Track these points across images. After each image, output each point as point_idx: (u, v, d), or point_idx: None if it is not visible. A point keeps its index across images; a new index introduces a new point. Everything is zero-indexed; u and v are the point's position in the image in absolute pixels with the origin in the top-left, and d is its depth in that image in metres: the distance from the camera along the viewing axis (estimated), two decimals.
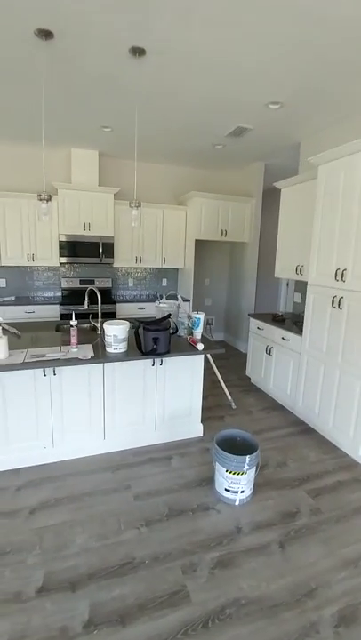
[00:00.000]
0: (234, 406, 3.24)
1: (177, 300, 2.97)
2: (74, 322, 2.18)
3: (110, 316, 4.24)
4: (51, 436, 2.34)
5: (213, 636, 1.37)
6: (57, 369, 2.21)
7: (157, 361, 2.44)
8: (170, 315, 2.35)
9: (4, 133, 3.76)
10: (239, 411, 3.22)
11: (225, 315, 5.52)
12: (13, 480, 2.20)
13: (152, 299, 4.61)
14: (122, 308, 4.32)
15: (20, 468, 2.30)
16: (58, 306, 4.09)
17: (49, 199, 2.30)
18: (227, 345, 5.38)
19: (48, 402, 2.28)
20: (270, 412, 3.23)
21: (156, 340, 2.12)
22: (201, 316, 2.58)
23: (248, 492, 2.07)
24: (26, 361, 1.98)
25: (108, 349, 2.21)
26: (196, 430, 2.73)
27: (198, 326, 2.57)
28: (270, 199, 5.37)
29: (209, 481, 2.25)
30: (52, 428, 2.33)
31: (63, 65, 2.38)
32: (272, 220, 5.75)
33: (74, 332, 2.18)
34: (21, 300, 4.15)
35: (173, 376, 2.54)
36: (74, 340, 2.19)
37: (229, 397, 3.26)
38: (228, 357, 4.80)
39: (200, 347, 2.32)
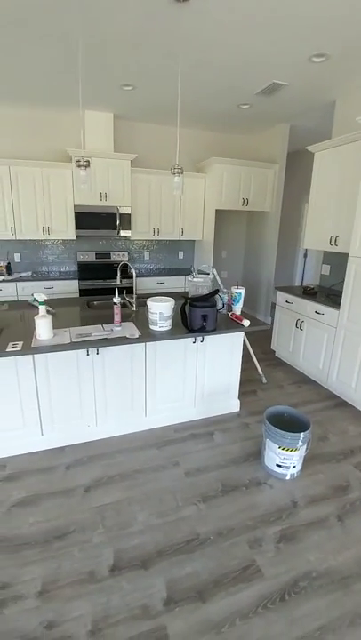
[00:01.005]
0: (264, 381, 3.23)
1: (209, 274, 2.86)
2: (117, 299, 2.08)
3: (129, 291, 4.12)
4: (94, 415, 2.31)
5: (292, 608, 1.41)
6: (100, 347, 2.13)
7: (199, 338, 2.38)
8: (218, 290, 2.26)
9: (12, 95, 3.44)
10: (270, 385, 3.22)
11: (242, 288, 5.41)
12: (61, 458, 2.19)
13: (170, 272, 4.47)
14: (141, 283, 4.19)
15: (64, 447, 2.29)
16: (77, 281, 3.95)
17: (88, 165, 2.11)
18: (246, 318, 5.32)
19: (91, 380, 2.23)
20: (301, 385, 3.23)
21: (204, 317, 2.03)
22: (242, 290, 2.49)
23: (298, 467, 2.09)
24: (74, 341, 1.90)
25: (152, 327, 2.13)
26: (233, 406, 2.72)
27: (239, 302, 2.49)
28: (291, 165, 5.11)
29: (255, 456, 2.26)
30: (96, 406, 2.29)
31: (90, 13, 2.10)
32: (290, 188, 5.52)
33: (117, 310, 2.09)
34: (38, 276, 4.00)
35: (214, 353, 2.49)
36: (117, 317, 2.10)
37: (260, 372, 3.24)
38: (249, 331, 4.75)
39: (246, 323, 2.25)
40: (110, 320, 2.33)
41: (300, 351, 3.37)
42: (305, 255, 5.52)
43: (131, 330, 2.10)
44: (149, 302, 2.10)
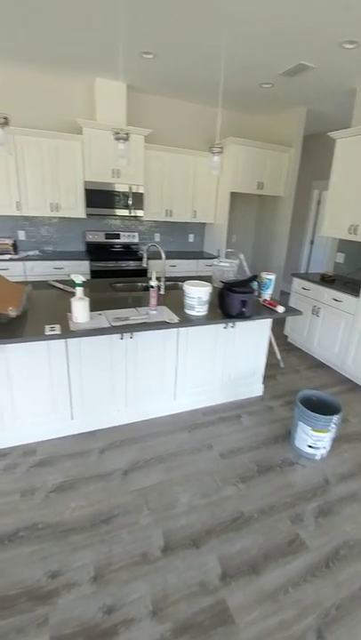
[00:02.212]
0: (282, 365, 3.27)
1: (236, 258, 2.82)
2: (154, 282, 2.02)
3: (141, 273, 4.03)
4: (124, 398, 2.27)
5: (337, 573, 1.50)
6: (136, 332, 2.08)
7: (230, 323, 2.36)
8: (256, 276, 2.22)
9: (15, 51, 3.16)
10: (287, 369, 3.26)
11: (251, 273, 5.39)
12: (93, 442, 2.16)
13: (181, 255, 4.38)
14: (153, 266, 4.09)
15: (95, 430, 2.25)
16: (87, 262, 3.81)
17: (127, 138, 1.99)
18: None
19: (123, 365, 2.18)
20: (317, 370, 3.29)
21: (244, 302, 2.01)
22: (272, 277, 2.47)
23: (328, 448, 2.14)
24: (113, 325, 1.84)
25: (189, 311, 2.08)
26: (258, 389, 2.74)
27: (269, 287, 2.47)
28: (303, 149, 5.02)
29: (284, 437, 2.31)
30: (126, 390, 2.26)
31: None
32: (300, 173, 5.45)
33: (154, 294, 2.03)
34: (47, 255, 3.83)
35: (243, 338, 2.48)
36: (154, 301, 2.04)
37: (279, 356, 3.27)
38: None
39: (281, 309, 2.24)
40: (140, 303, 2.27)
41: (315, 337, 3.42)
42: (312, 242, 5.53)
43: (167, 314, 2.05)
44: (187, 286, 2.04)
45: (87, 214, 3.86)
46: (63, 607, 1.33)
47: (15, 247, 3.62)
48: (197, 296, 2.02)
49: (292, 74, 3.24)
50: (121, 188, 3.87)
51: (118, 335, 2.07)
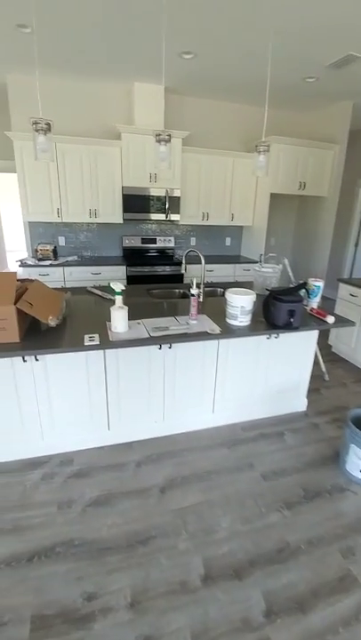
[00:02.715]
0: (327, 378, 3.05)
1: (279, 264, 2.66)
2: (195, 290, 1.93)
3: (177, 278, 3.96)
4: (162, 410, 2.20)
5: None
6: (176, 342, 2.00)
7: (274, 334, 2.21)
8: (305, 283, 2.07)
9: (57, 62, 3.23)
10: (332, 383, 3.03)
11: (283, 276, 5.16)
12: (129, 455, 2.11)
13: (218, 260, 4.26)
14: (190, 271, 4.01)
15: (131, 442, 2.20)
16: (124, 267, 3.81)
17: (169, 140, 1.92)
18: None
19: (161, 375, 2.11)
20: None
21: (292, 312, 1.86)
22: (321, 283, 2.29)
23: None
24: (153, 335, 1.77)
25: (231, 321, 1.97)
26: (301, 404, 2.56)
27: (317, 295, 2.29)
28: (350, 146, 4.72)
29: (332, 459, 2.11)
30: (164, 401, 2.18)
31: None
32: (344, 170, 5.13)
33: (195, 303, 1.93)
34: (85, 261, 3.88)
35: (287, 349, 2.32)
36: (194, 310, 1.95)
37: (323, 368, 3.05)
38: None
39: (331, 320, 2.06)
40: (178, 311, 2.19)
41: None
42: (356, 244, 5.18)
43: (208, 324, 1.95)
44: (230, 294, 1.93)
45: (124, 219, 3.86)
46: (99, 633, 1.26)
47: (55, 253, 3.70)
48: (240, 305, 1.90)
49: (339, 66, 3.03)
50: (158, 192, 3.83)
51: (156, 345, 2.00)
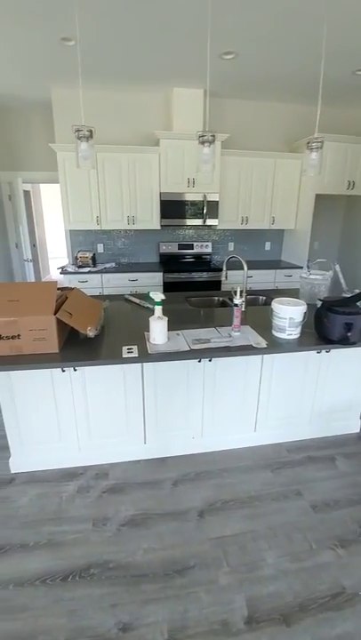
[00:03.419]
0: None
1: (329, 270, 2.46)
2: (238, 300, 1.80)
3: (215, 285, 3.84)
4: (200, 426, 2.08)
5: None
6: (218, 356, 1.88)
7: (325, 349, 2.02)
8: None
9: (95, 73, 3.26)
10: None
11: (332, 284, 4.85)
12: (165, 471, 2.01)
13: (257, 265, 4.08)
14: (229, 277, 3.87)
15: (167, 457, 2.11)
16: (160, 273, 3.76)
17: (213, 141, 1.83)
18: None
19: (200, 389, 2.00)
20: None
21: (349, 326, 1.67)
22: None
23: None
24: (193, 348, 1.66)
25: (278, 334, 1.81)
26: (354, 426, 2.32)
27: None
28: None
29: None
30: (202, 416, 2.07)
31: None
32: None
33: (238, 313, 1.81)
34: (122, 267, 3.89)
35: (339, 365, 2.11)
36: (237, 322, 1.82)
37: None
38: None
39: None
40: (218, 321, 2.07)
41: None
42: None
43: (252, 336, 1.81)
44: (277, 305, 1.78)
45: (161, 225, 3.82)
46: None
47: (94, 260, 3.74)
48: (289, 316, 1.74)
49: None
50: (195, 197, 3.75)
51: (196, 358, 1.89)
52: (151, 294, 1.69)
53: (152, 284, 3.75)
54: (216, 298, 2.70)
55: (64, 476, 1.97)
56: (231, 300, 2.68)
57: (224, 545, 1.59)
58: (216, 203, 3.80)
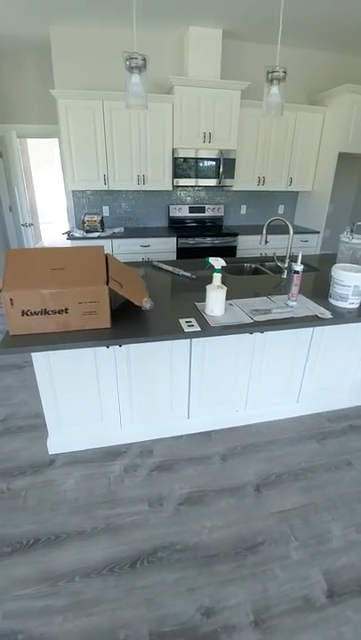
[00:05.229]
0: None
1: None
2: (299, 266, 1.64)
3: (230, 251, 3.65)
4: (245, 399, 2.00)
5: None
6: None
7: None
8: None
9: (102, 10, 2.79)
10: None
11: None
12: (210, 446, 1.94)
13: (272, 230, 3.88)
14: (243, 242, 3.68)
15: (210, 431, 2.03)
16: (174, 239, 3.51)
17: (284, 78, 1.55)
18: None
19: (248, 361, 1.89)
20: None
21: None
22: None
23: None
24: (256, 320, 1.53)
25: (338, 302, 1.69)
26: None
27: None
28: None
29: None
30: (248, 389, 1.98)
31: None
32: None
33: (297, 281, 1.66)
34: (132, 232, 3.60)
35: None
36: (296, 290, 1.68)
37: None
38: None
39: None
40: (262, 289, 1.92)
41: None
42: None
43: (312, 305, 1.68)
44: (340, 271, 1.64)
45: (174, 186, 3.51)
46: None
47: (102, 224, 3.43)
48: (354, 284, 1.62)
49: None
50: (211, 154, 3.43)
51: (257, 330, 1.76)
52: (211, 260, 1.51)
53: (165, 249, 3.51)
54: (246, 264, 2.53)
55: (106, 455, 1.86)
56: (263, 265, 2.54)
57: (288, 519, 1.56)
58: (233, 161, 3.51)
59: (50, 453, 1.85)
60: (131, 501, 1.62)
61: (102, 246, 1.45)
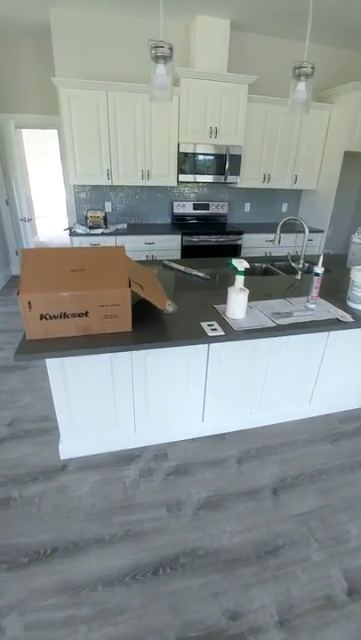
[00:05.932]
0: None
1: None
2: (319, 268, 1.63)
3: (234, 249, 3.62)
4: (259, 401, 2.00)
5: None
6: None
7: None
8: None
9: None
10: None
11: (345, 250, 4.76)
12: (224, 449, 1.93)
13: (283, 229, 3.87)
14: (248, 241, 3.66)
15: (223, 434, 2.02)
16: (179, 236, 3.47)
17: (311, 74, 1.52)
18: None
19: (264, 364, 1.87)
20: None
21: None
22: None
23: None
24: (279, 323, 1.51)
25: (356, 305, 1.69)
26: None
27: None
28: None
29: None
30: (262, 392, 1.97)
31: None
32: None
33: (318, 283, 1.65)
34: (135, 229, 3.54)
35: None
36: (316, 292, 1.67)
37: None
38: None
39: None
40: (276, 291, 1.91)
41: None
42: None
43: (332, 308, 1.67)
44: (358, 273, 1.64)
45: (179, 182, 3.46)
46: None
47: (105, 220, 3.36)
48: None
49: None
50: (217, 150, 3.39)
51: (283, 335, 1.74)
52: (234, 262, 1.48)
53: (170, 247, 3.47)
54: (258, 264, 2.51)
55: (120, 459, 1.84)
56: (273, 265, 2.53)
57: (306, 521, 1.57)
58: (239, 157, 3.47)
59: (62, 458, 1.82)
60: (149, 507, 1.60)
61: (123, 247, 1.41)
